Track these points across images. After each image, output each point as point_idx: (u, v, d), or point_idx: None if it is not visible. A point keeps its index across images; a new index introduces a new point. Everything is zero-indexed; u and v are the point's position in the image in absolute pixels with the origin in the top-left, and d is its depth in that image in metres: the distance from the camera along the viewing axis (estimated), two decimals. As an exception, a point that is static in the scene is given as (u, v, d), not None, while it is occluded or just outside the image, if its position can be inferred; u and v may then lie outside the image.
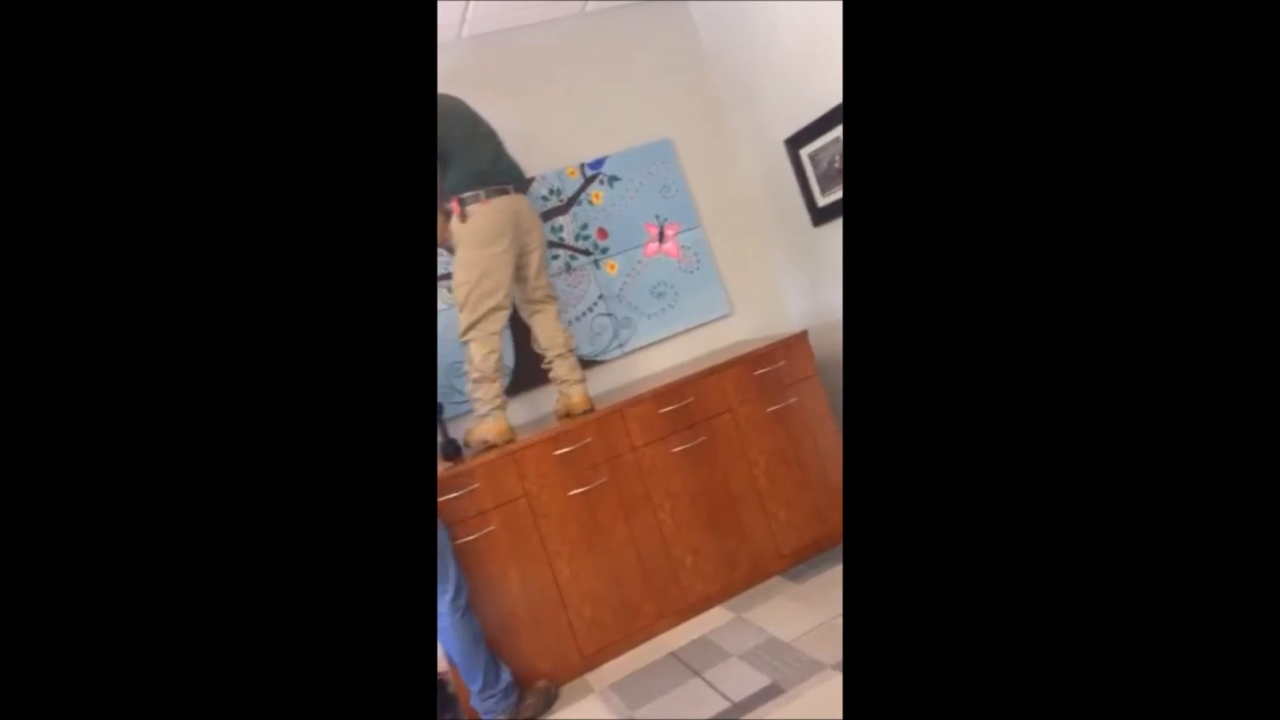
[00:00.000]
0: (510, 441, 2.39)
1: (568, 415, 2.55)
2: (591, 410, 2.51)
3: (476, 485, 2.29)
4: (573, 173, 3.04)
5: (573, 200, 3.03)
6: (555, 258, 2.98)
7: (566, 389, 2.56)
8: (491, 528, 2.30)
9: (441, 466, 2.32)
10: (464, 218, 2.34)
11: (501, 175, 2.42)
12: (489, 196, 2.35)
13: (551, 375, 2.60)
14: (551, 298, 2.59)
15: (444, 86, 2.87)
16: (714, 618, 2.46)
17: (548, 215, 2.99)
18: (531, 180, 2.96)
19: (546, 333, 2.57)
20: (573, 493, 2.39)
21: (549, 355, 2.58)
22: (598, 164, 3.07)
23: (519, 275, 2.49)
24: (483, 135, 2.50)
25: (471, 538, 2.26)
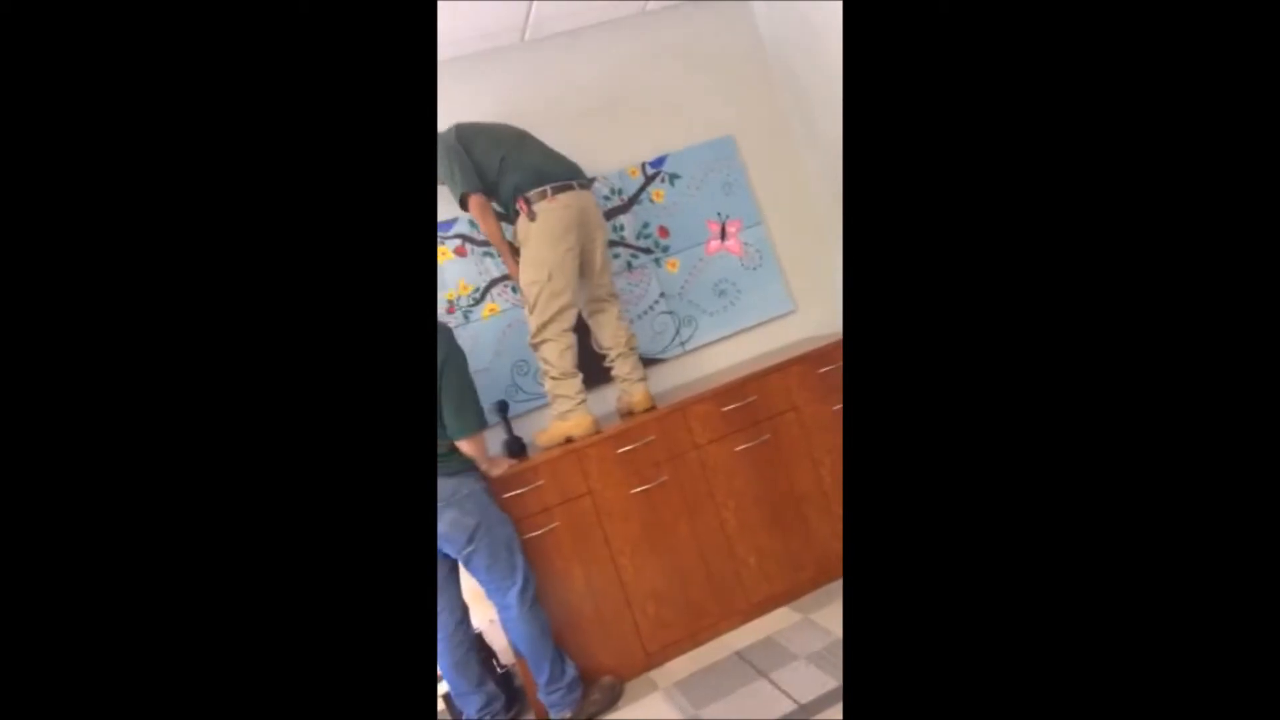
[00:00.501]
0: (596, 433, 2.40)
1: (630, 413, 2.55)
2: (653, 408, 2.51)
3: (541, 482, 2.32)
4: (634, 172, 3.04)
5: (634, 199, 3.04)
6: (616, 256, 2.99)
7: (628, 387, 2.57)
8: (555, 524, 2.32)
9: (508, 464, 2.36)
10: (532, 216, 2.34)
11: (563, 172, 2.44)
12: (555, 193, 2.36)
13: (614, 374, 2.61)
14: (614, 296, 2.60)
15: (506, 88, 2.92)
16: (780, 619, 2.43)
17: (609, 214, 3.00)
18: (593, 180, 2.98)
19: (608, 331, 2.57)
20: (635, 491, 2.40)
21: (611, 354, 2.59)
22: (659, 162, 3.07)
23: (583, 272, 2.50)
24: (528, 139, 2.52)
25: (536, 534, 2.29)
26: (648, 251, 3.05)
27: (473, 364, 2.81)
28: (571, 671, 2.18)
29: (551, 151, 2.52)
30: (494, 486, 2.26)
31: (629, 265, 3.02)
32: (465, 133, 2.50)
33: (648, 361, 2.97)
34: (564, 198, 2.37)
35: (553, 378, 2.40)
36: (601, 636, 2.34)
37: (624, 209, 3.03)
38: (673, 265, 3.07)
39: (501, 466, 2.31)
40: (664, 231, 3.06)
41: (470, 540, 2.05)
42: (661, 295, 3.04)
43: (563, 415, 2.43)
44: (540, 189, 2.35)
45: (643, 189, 3.06)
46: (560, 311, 2.36)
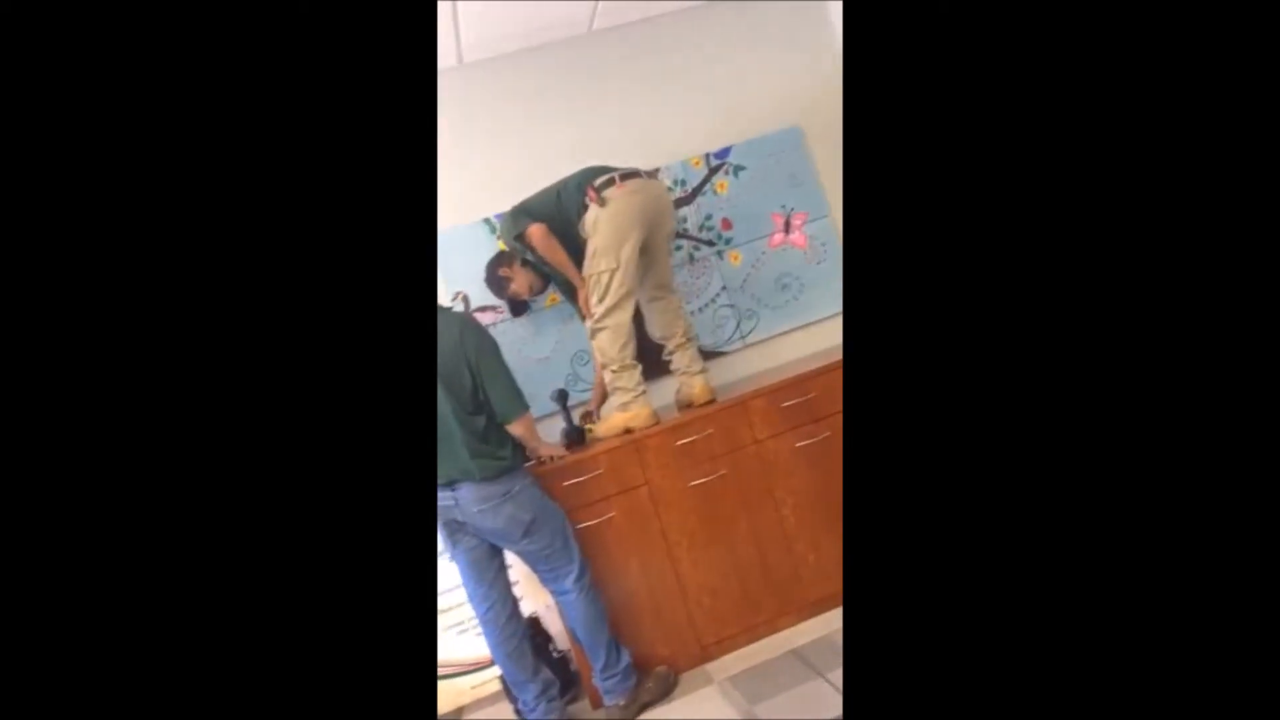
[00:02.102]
0: (655, 424, 2.41)
1: (689, 406, 2.54)
2: (713, 401, 2.49)
3: (599, 471, 2.33)
4: (697, 163, 3.02)
5: (697, 191, 3.02)
6: (678, 248, 2.98)
7: (688, 379, 2.55)
8: (612, 514, 2.33)
9: (558, 449, 2.39)
10: (602, 202, 2.33)
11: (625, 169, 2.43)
12: (623, 179, 2.35)
13: (672, 366, 2.60)
14: (673, 287, 2.58)
15: (571, 80, 2.93)
16: (837, 618, 2.39)
17: (673, 205, 2.99)
18: (656, 171, 2.97)
19: (665, 320, 2.55)
20: (693, 483, 2.39)
21: (669, 345, 2.58)
22: (723, 153, 3.04)
23: (644, 262, 2.48)
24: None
25: (592, 523, 2.31)
26: (710, 244, 3.02)
27: (533, 354, 2.86)
28: (626, 659, 2.20)
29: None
30: (550, 474, 2.29)
31: (690, 257, 3.00)
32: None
33: (707, 355, 2.95)
34: (634, 183, 2.36)
35: (612, 370, 2.40)
36: (656, 627, 2.35)
37: (687, 200, 3.01)
38: (735, 258, 3.04)
39: (551, 448, 2.34)
40: (727, 224, 3.04)
41: (527, 533, 2.08)
42: (723, 288, 3.02)
43: (623, 406, 2.43)
44: (608, 176, 2.35)
45: (706, 180, 3.03)
46: (624, 299, 2.35)
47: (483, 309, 2.83)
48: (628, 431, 2.42)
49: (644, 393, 2.43)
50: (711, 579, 2.39)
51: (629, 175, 2.37)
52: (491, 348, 2.09)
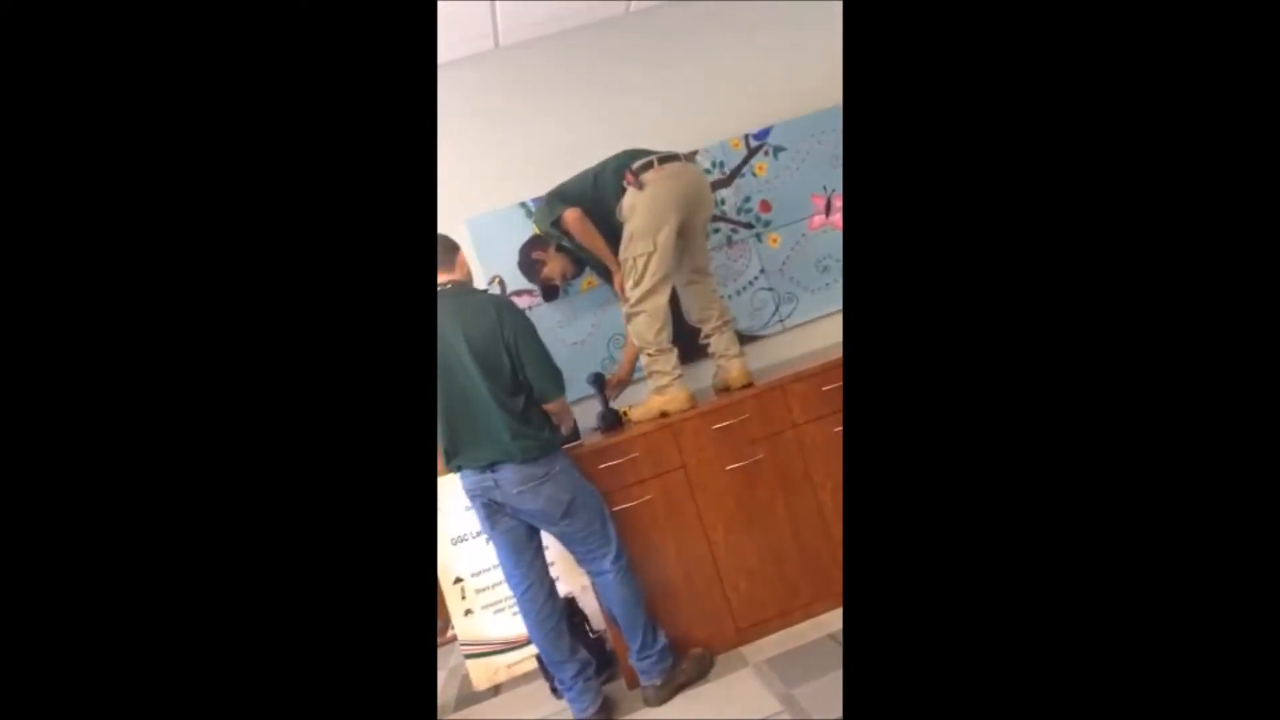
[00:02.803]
0: (692, 408, 2.40)
1: (726, 389, 2.53)
2: (750, 385, 2.47)
3: (636, 454, 2.33)
4: (736, 144, 2.99)
5: (735, 173, 2.99)
6: (716, 230, 2.96)
7: (725, 363, 2.54)
8: (649, 496, 2.33)
9: (601, 438, 2.39)
10: (640, 186, 2.31)
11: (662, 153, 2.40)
12: (661, 163, 2.33)
13: (710, 349, 2.58)
14: (709, 271, 2.56)
15: (609, 61, 2.91)
16: (876, 604, 2.37)
17: (711, 188, 2.97)
18: (694, 154, 2.94)
19: (701, 303, 2.54)
20: (730, 467, 2.37)
21: (706, 328, 2.56)
22: (763, 134, 3.00)
23: (681, 245, 2.47)
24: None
25: (629, 505, 2.31)
26: (748, 226, 2.99)
27: (570, 336, 2.86)
28: (663, 640, 2.20)
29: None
30: (587, 456, 2.30)
31: (729, 240, 2.97)
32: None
33: (746, 338, 2.93)
34: (672, 167, 2.34)
35: (648, 354, 2.39)
36: (693, 609, 2.35)
37: (725, 183, 2.98)
38: (774, 240, 3.00)
39: (570, 419, 2.35)
40: (765, 206, 3.00)
41: (566, 514, 2.09)
42: (761, 271, 2.99)
43: (660, 390, 2.42)
44: (646, 160, 2.34)
45: (745, 162, 3.00)
46: (660, 283, 2.34)
47: (518, 293, 2.84)
48: (663, 415, 2.41)
49: (680, 376, 2.42)
50: (748, 562, 2.38)
51: (667, 159, 2.35)
52: (529, 328, 2.10)
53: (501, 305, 2.10)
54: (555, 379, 2.11)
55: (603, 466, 2.30)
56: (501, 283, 2.83)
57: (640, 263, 2.33)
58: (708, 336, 2.57)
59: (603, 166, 2.44)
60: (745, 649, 2.35)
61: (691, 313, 2.59)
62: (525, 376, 2.06)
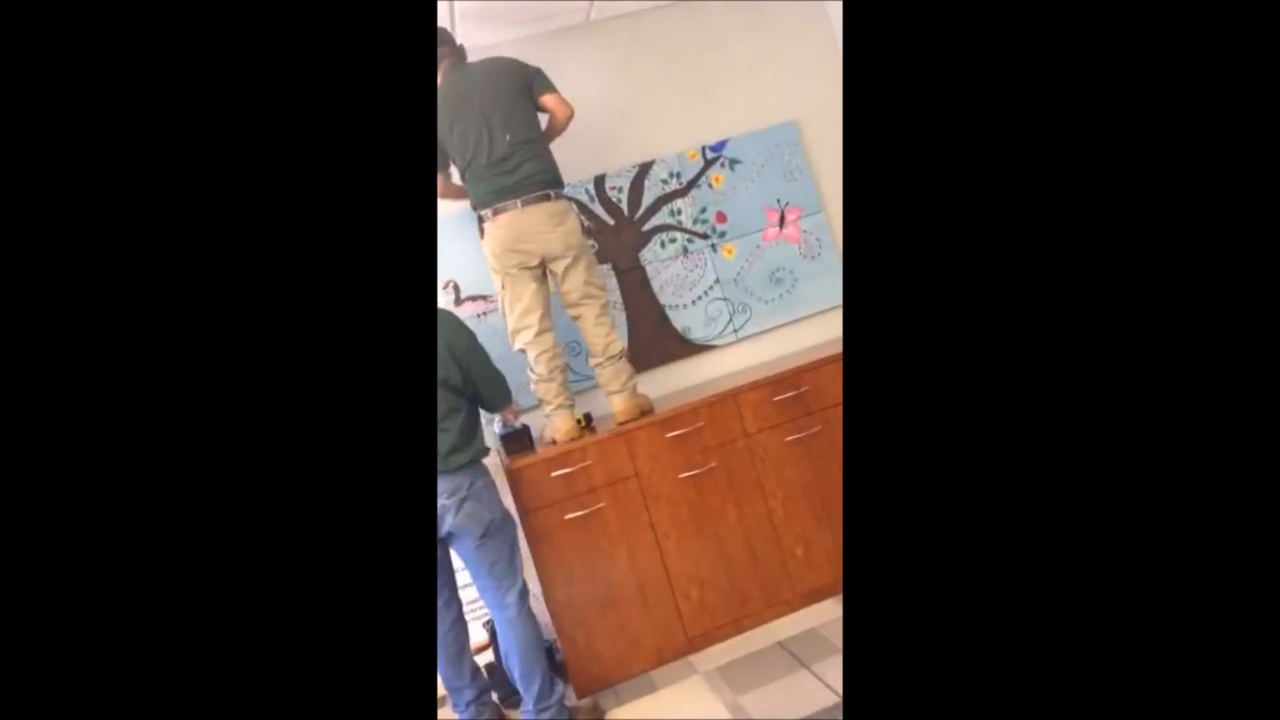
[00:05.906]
0: (577, 438, 2.36)
1: (621, 423, 2.44)
2: (641, 416, 2.42)
3: (589, 462, 2.33)
4: (693, 155, 3.02)
5: (692, 183, 3.02)
6: (673, 241, 2.98)
7: (611, 399, 2.46)
8: (602, 504, 2.33)
9: (556, 447, 2.38)
10: (482, 234, 2.43)
11: (514, 187, 2.33)
12: (495, 215, 2.36)
13: (599, 384, 2.52)
14: (590, 297, 2.42)
15: (567, 70, 2.92)
16: (825, 611, 2.40)
17: (667, 198, 2.99)
18: (652, 164, 2.97)
19: (588, 336, 2.47)
20: (683, 475, 2.39)
21: (590, 361, 2.50)
22: (719, 146, 3.04)
23: (548, 286, 2.46)
24: (503, 143, 2.35)
25: (582, 513, 2.31)
26: (704, 237, 3.02)
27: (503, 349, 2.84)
28: (560, 689, 2.11)
29: (524, 160, 2.34)
30: (540, 464, 2.29)
31: (685, 250, 3.00)
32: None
33: (700, 347, 2.95)
34: (503, 218, 2.34)
35: (534, 383, 2.43)
36: (644, 618, 2.35)
37: (682, 193, 3.01)
38: (729, 251, 3.04)
39: (517, 417, 2.48)
40: (721, 217, 3.03)
41: (486, 533, 2.03)
42: (716, 281, 3.02)
43: (546, 418, 2.45)
44: (487, 209, 2.37)
45: (701, 173, 3.03)
46: (523, 316, 2.39)
47: (473, 298, 2.82)
48: (554, 443, 2.39)
49: (564, 405, 2.41)
50: (700, 570, 2.40)
51: (501, 210, 2.34)
52: (476, 343, 2.14)
53: (449, 321, 2.10)
54: (504, 389, 2.21)
55: (556, 475, 2.29)
56: (456, 287, 2.81)
57: (502, 302, 2.43)
58: (596, 369, 2.50)
59: (469, 169, 2.39)
60: (694, 657, 2.36)
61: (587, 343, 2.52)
62: (475, 391, 2.09)
